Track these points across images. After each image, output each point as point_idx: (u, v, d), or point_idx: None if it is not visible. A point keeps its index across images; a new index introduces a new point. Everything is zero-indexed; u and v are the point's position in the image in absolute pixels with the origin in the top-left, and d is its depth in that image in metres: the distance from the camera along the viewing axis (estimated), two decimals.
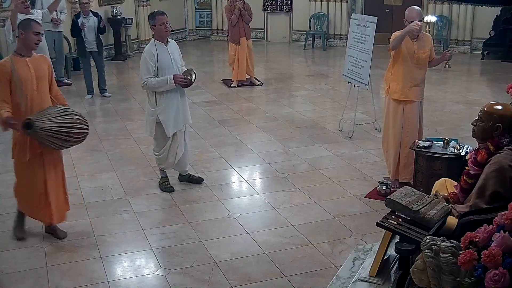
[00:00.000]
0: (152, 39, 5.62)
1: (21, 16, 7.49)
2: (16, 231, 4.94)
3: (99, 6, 12.20)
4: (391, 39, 5.50)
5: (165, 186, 5.87)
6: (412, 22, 5.40)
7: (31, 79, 4.53)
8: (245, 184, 6.10)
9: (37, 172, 4.71)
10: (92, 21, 9.37)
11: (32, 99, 4.55)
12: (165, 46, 5.56)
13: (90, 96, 9.65)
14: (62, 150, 4.83)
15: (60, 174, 4.92)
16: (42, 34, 4.77)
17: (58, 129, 4.49)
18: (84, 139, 4.80)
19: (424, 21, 5.24)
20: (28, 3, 7.70)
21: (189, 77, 5.56)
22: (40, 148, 4.62)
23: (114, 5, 12.76)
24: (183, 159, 5.93)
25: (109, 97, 9.67)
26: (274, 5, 14.95)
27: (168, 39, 5.65)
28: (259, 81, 10.60)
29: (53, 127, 4.46)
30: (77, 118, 4.65)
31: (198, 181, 6.03)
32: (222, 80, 10.86)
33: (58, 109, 4.61)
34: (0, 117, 4.43)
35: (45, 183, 4.74)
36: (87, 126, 4.78)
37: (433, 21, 5.25)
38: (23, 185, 4.80)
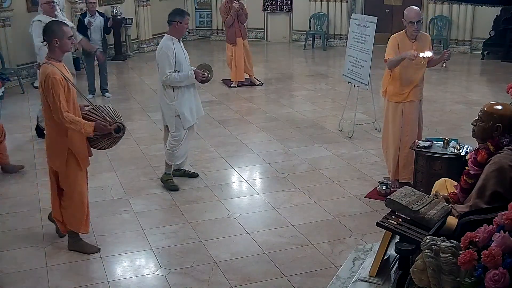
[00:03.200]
0: (168, 35, 5.67)
1: (42, 18, 6.98)
2: (86, 249, 4.66)
3: (99, 6, 12.17)
4: (386, 50, 5.59)
5: (171, 185, 5.88)
6: (411, 22, 5.43)
7: (73, 83, 4.46)
8: (245, 184, 6.10)
9: (83, 182, 4.65)
10: (98, 20, 9.37)
11: (75, 103, 4.44)
12: (179, 43, 5.70)
13: (91, 96, 9.63)
14: None
15: None
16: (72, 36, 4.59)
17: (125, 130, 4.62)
18: None
19: (420, 56, 5.41)
20: (54, 4, 7.26)
21: (206, 73, 5.73)
22: (90, 153, 4.64)
23: (114, 5, 12.76)
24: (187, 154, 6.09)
25: (110, 97, 9.67)
26: (274, 5, 14.95)
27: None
28: (259, 81, 10.60)
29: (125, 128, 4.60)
30: None
31: (193, 175, 6.10)
32: (222, 80, 10.86)
33: (110, 109, 4.58)
34: (89, 126, 4.29)
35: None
36: None
37: (429, 56, 5.47)
38: (74, 198, 4.60)
